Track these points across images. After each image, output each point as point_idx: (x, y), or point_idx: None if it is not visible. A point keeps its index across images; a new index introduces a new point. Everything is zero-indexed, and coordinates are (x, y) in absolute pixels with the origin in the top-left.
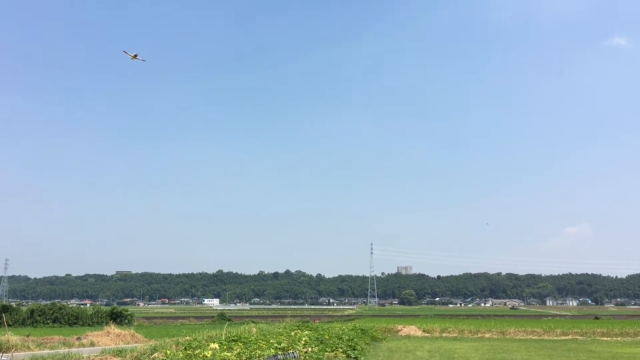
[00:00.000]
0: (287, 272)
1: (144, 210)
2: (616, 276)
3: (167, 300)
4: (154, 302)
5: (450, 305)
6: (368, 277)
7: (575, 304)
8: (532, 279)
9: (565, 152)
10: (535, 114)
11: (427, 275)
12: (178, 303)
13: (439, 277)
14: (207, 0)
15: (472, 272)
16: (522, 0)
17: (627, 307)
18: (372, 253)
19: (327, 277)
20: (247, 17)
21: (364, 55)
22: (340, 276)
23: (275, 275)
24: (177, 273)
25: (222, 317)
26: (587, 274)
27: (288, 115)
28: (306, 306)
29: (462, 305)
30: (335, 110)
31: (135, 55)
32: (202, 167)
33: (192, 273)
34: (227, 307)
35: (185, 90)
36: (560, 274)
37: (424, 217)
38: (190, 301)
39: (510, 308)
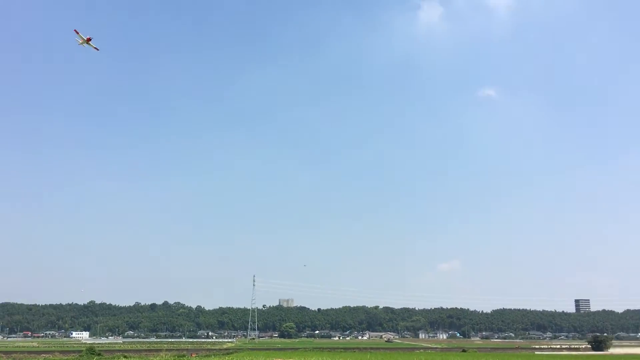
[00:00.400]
0: (166, 303)
1: (7, 233)
2: (482, 311)
3: (29, 333)
4: (14, 335)
5: (335, 338)
6: (249, 309)
7: (445, 337)
8: (407, 313)
9: (441, 192)
10: (415, 157)
11: (308, 308)
12: (42, 336)
13: (319, 310)
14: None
15: (352, 306)
16: (404, 51)
17: (491, 340)
18: (254, 285)
19: (207, 310)
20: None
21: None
22: (220, 308)
23: (153, 306)
24: (43, 304)
25: (91, 352)
26: (456, 308)
27: (172, 146)
28: (184, 339)
29: (341, 338)
30: (219, 143)
31: (89, 40)
32: (74, 187)
33: (61, 304)
34: (97, 341)
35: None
36: (432, 308)
37: (307, 250)
38: (57, 334)
39: (386, 341)
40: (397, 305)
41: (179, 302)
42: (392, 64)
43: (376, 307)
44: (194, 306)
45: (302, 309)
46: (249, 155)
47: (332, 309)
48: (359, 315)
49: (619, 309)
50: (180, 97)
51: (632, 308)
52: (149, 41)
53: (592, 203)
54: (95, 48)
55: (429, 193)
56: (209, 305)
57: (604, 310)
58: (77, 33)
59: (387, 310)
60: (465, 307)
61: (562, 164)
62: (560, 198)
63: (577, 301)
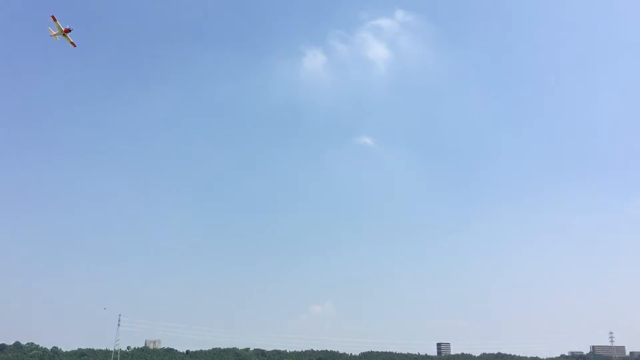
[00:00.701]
0: (17, 344)
1: None
2: (351, 353)
3: None
4: None
5: None
6: (112, 351)
7: None
8: (278, 355)
9: (314, 234)
10: (292, 198)
11: (176, 350)
12: None
13: (188, 352)
14: None
15: (222, 347)
16: (286, 95)
17: None
18: (119, 325)
19: (64, 351)
20: None
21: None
22: (80, 349)
23: (2, 347)
24: None
25: None
26: (326, 350)
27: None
28: None
29: None
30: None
31: (67, 31)
32: None
33: None
34: None
35: None
36: (304, 350)
37: (179, 288)
38: None
39: None
40: (268, 347)
41: (32, 343)
42: (274, 106)
43: (247, 349)
44: (49, 347)
45: (170, 350)
46: (119, 187)
47: (201, 351)
48: (229, 357)
49: (476, 352)
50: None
51: (487, 352)
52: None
53: (454, 248)
54: (72, 43)
55: (303, 234)
56: (66, 346)
57: (462, 354)
58: (55, 20)
59: (258, 352)
60: (335, 349)
61: (430, 211)
62: (426, 243)
63: (438, 345)
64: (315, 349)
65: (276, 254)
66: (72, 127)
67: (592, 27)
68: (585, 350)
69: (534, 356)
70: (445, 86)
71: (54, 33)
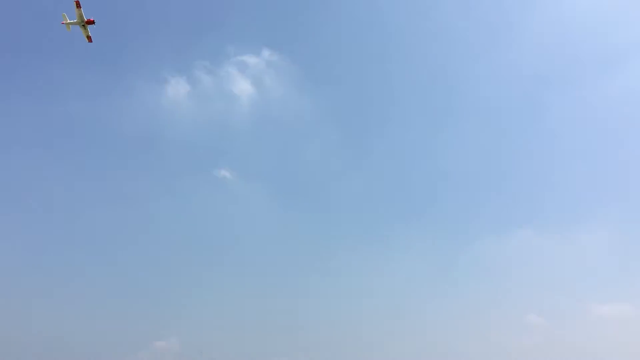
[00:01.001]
0: None
1: None
2: None
3: None
4: None
5: None
6: None
7: None
8: None
9: (163, 264)
10: (144, 230)
11: None
12: None
13: None
14: None
15: None
16: (146, 121)
17: None
18: None
19: None
20: None
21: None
22: None
23: None
24: None
25: None
26: None
27: None
28: None
29: None
30: None
31: (89, 22)
32: None
33: None
34: None
35: None
36: None
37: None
38: None
39: None
40: None
41: None
42: (131, 131)
43: None
44: None
45: None
46: None
47: None
48: None
49: None
50: None
51: None
52: None
53: (305, 289)
54: (88, 38)
55: (150, 265)
56: None
57: None
58: (78, 6)
59: None
60: None
61: (282, 248)
62: (277, 282)
63: None
64: None
65: (120, 285)
66: None
67: (456, 75)
68: None
69: None
70: (306, 126)
71: (71, 22)
